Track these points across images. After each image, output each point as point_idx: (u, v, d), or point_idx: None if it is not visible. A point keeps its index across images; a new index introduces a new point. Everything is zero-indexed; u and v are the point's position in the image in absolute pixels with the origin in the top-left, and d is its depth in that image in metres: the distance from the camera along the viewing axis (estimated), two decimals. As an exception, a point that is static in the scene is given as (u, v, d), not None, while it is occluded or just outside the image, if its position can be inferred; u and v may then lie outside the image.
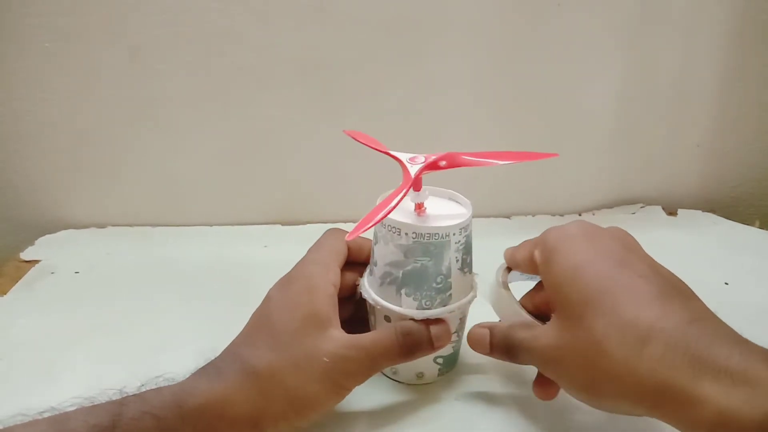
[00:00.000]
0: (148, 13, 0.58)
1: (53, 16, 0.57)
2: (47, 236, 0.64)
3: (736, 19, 0.64)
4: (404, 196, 0.34)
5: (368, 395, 0.39)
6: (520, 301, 0.37)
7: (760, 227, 0.67)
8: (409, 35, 0.61)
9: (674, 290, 0.30)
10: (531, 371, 0.37)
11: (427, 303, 0.36)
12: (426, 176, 0.36)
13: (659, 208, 0.71)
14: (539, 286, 0.38)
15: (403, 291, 0.36)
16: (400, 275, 0.36)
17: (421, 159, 0.36)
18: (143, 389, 0.32)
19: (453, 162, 0.35)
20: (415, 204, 0.37)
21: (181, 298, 0.52)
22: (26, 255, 0.60)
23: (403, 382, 0.41)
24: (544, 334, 0.32)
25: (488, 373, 0.42)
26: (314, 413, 0.33)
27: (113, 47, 0.59)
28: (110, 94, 0.61)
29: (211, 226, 0.67)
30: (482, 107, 0.65)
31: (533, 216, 0.69)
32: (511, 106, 0.65)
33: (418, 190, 0.36)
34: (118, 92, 0.61)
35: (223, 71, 0.61)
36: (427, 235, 0.35)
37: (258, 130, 0.64)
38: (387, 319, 0.38)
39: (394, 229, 0.36)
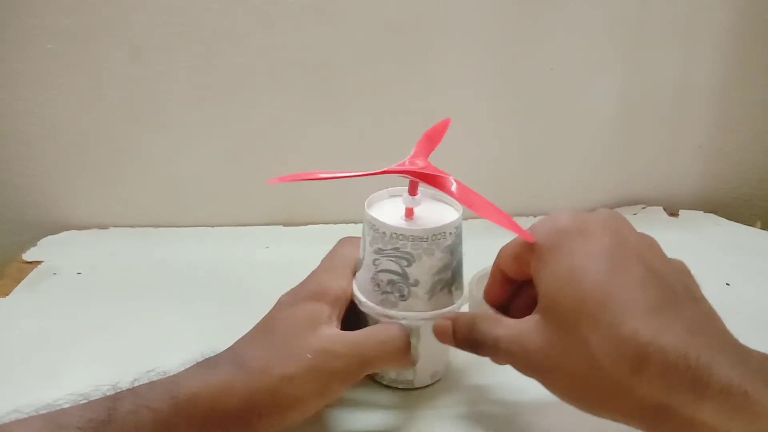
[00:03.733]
0: (150, 14, 0.58)
1: (55, 16, 0.57)
2: (49, 237, 0.64)
3: (736, 20, 0.64)
4: (363, 175, 0.35)
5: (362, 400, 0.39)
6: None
7: (762, 228, 0.67)
8: (410, 36, 0.61)
9: (673, 296, 0.28)
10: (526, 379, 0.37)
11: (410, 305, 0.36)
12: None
13: (660, 209, 0.71)
14: (491, 273, 0.37)
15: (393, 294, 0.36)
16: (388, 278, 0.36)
17: (420, 165, 0.36)
18: (136, 384, 0.32)
19: (436, 183, 0.35)
20: (406, 209, 0.37)
21: (183, 298, 0.53)
22: (28, 256, 0.61)
23: (393, 387, 0.40)
24: (528, 336, 0.30)
25: (479, 381, 0.41)
26: (298, 412, 0.33)
27: (115, 48, 0.59)
28: (112, 94, 0.61)
29: (212, 227, 0.67)
30: (483, 108, 0.65)
31: (534, 217, 0.69)
32: (511, 107, 0.65)
33: (413, 195, 0.36)
34: (120, 93, 0.61)
35: (225, 72, 0.61)
36: (409, 236, 0.35)
37: (260, 131, 0.64)
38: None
39: (376, 230, 0.36)
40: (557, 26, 0.62)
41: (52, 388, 0.33)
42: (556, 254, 0.30)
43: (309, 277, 0.38)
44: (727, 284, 0.54)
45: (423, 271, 0.36)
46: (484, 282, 0.38)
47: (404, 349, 0.35)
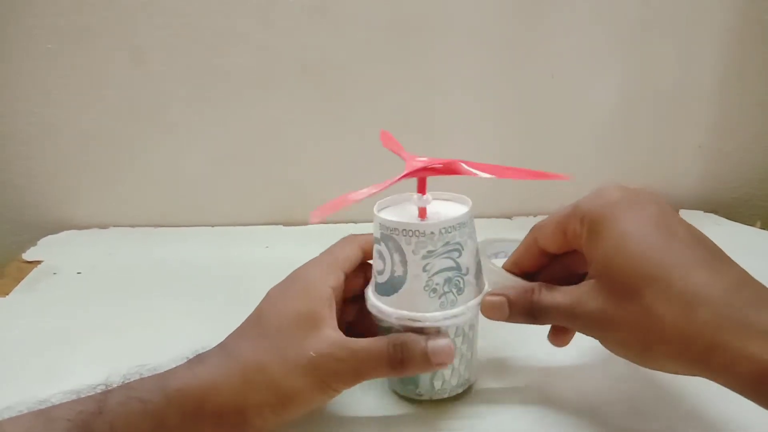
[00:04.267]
0: (150, 15, 0.58)
1: (56, 17, 0.57)
2: (49, 237, 0.64)
3: (736, 20, 0.64)
4: (389, 185, 0.34)
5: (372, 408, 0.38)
6: (504, 267, 0.39)
7: (762, 228, 0.67)
8: (411, 37, 0.61)
9: (716, 257, 0.32)
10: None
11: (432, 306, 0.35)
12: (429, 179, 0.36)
13: (661, 208, 0.71)
14: (521, 247, 0.39)
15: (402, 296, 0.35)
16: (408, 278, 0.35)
17: (423, 160, 0.36)
18: (127, 379, 0.32)
19: (449, 168, 0.35)
20: (419, 209, 0.36)
21: (182, 298, 0.53)
22: (28, 255, 0.61)
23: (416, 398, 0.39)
24: (588, 300, 0.32)
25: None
26: (299, 407, 0.33)
27: (115, 48, 0.59)
28: (112, 94, 0.61)
29: (213, 226, 0.67)
30: (483, 109, 0.65)
31: (534, 216, 0.69)
32: (512, 108, 0.65)
33: (423, 194, 0.36)
34: (120, 93, 0.61)
35: (225, 72, 0.61)
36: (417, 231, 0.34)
37: (260, 131, 0.64)
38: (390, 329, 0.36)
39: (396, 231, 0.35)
40: (558, 27, 0.62)
41: (52, 388, 0.33)
42: (609, 223, 0.32)
43: (299, 270, 0.38)
44: (727, 284, 0.54)
45: (470, 256, 0.36)
46: (490, 251, 0.40)
47: (395, 367, 0.34)
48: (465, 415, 0.38)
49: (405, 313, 0.35)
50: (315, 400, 0.33)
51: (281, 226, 0.67)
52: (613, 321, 0.31)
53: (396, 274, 0.35)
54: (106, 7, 0.57)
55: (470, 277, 0.36)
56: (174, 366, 0.33)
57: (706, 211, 0.71)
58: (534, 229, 0.38)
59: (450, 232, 0.35)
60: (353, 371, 0.33)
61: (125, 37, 0.59)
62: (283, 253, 0.60)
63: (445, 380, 0.38)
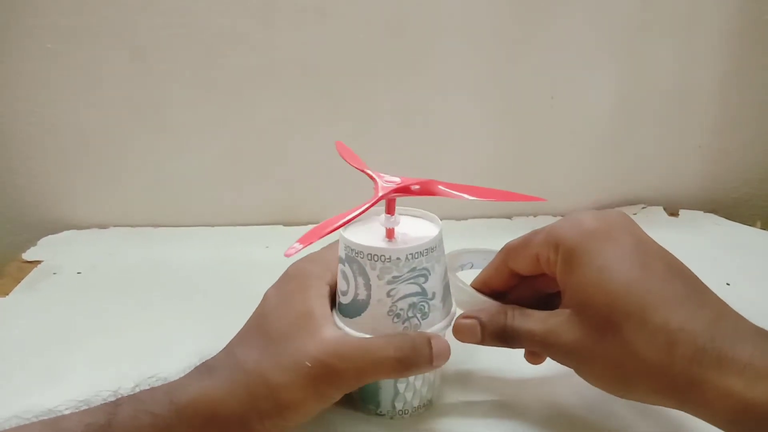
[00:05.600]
0: (150, 15, 0.58)
1: (56, 16, 0.57)
2: (49, 236, 0.64)
3: (736, 20, 0.64)
4: (365, 210, 0.33)
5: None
6: (473, 285, 0.39)
7: (762, 228, 0.67)
8: (409, 39, 0.61)
9: (695, 290, 0.31)
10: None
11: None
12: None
13: (661, 208, 0.71)
14: (491, 267, 0.38)
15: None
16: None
17: (396, 180, 0.34)
18: (137, 390, 0.32)
19: (428, 190, 0.34)
20: (386, 229, 0.35)
21: (182, 298, 0.53)
22: (28, 255, 0.61)
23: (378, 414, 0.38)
24: (564, 331, 0.32)
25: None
26: (297, 416, 0.33)
27: (115, 48, 0.59)
28: (112, 94, 0.61)
29: (212, 226, 0.67)
30: (483, 109, 0.65)
31: (534, 216, 0.69)
32: (511, 108, 0.65)
33: (391, 214, 0.34)
34: (120, 93, 0.61)
35: (225, 72, 0.61)
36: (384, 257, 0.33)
37: (260, 131, 0.64)
38: None
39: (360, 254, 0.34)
40: (557, 25, 0.62)
41: (53, 389, 0.33)
42: (585, 256, 0.32)
43: (293, 267, 0.38)
44: (727, 284, 0.53)
45: (436, 280, 0.35)
46: (458, 262, 0.40)
47: (402, 367, 0.34)
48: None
49: (367, 337, 0.34)
50: (313, 408, 0.33)
51: (281, 226, 0.67)
52: (591, 354, 0.32)
53: (359, 297, 0.34)
54: (106, 7, 0.57)
55: (436, 302, 0.35)
56: (182, 375, 0.33)
57: (706, 211, 0.71)
58: (505, 251, 0.38)
59: (417, 258, 0.34)
60: (354, 376, 0.33)
61: (125, 37, 0.59)
62: (283, 253, 0.61)
63: (406, 401, 0.37)
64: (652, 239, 0.34)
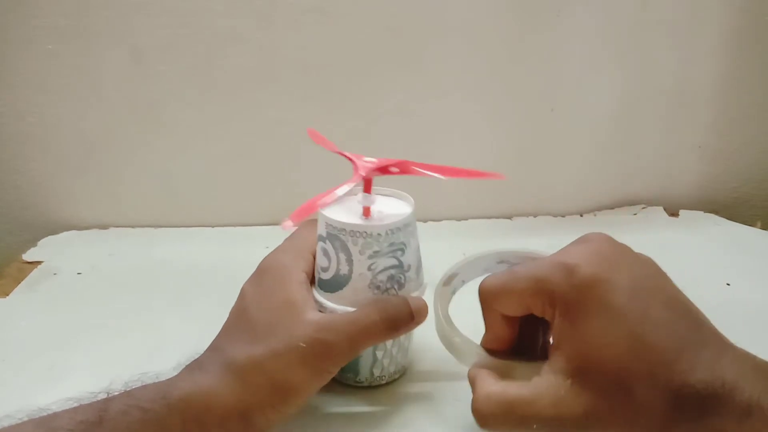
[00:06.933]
0: (150, 15, 0.58)
1: (56, 17, 0.57)
2: (50, 237, 0.64)
3: (736, 20, 0.64)
4: (350, 187, 0.36)
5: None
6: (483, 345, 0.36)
7: (762, 228, 0.67)
8: (410, 39, 0.61)
9: (693, 327, 0.30)
10: None
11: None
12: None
13: (661, 209, 0.71)
14: (488, 324, 0.36)
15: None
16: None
17: (373, 161, 0.37)
18: (128, 387, 0.32)
19: (404, 169, 0.36)
20: (363, 207, 0.37)
21: (183, 299, 0.53)
22: (29, 256, 0.61)
23: (354, 384, 0.40)
24: (572, 402, 0.31)
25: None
26: (299, 398, 0.33)
27: (116, 49, 0.59)
28: (112, 95, 0.61)
29: (213, 227, 0.67)
30: (483, 108, 0.65)
31: (534, 217, 0.69)
32: (511, 108, 0.65)
33: (369, 193, 0.37)
34: (120, 93, 0.61)
35: (225, 72, 0.61)
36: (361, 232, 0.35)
37: (260, 131, 0.64)
38: None
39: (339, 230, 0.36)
40: (558, 25, 0.62)
41: (52, 389, 0.33)
42: (582, 313, 0.31)
43: (267, 260, 0.38)
44: (728, 284, 0.54)
45: (412, 254, 0.37)
46: (444, 301, 0.38)
47: (389, 327, 0.35)
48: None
49: (349, 309, 0.36)
50: (314, 387, 0.34)
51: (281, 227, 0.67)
52: (603, 418, 0.30)
53: (341, 273, 0.36)
54: (105, 7, 0.57)
55: (411, 273, 0.38)
56: (175, 373, 0.33)
57: (706, 211, 0.71)
58: (490, 304, 0.35)
59: (395, 233, 0.36)
60: (348, 346, 0.34)
61: (125, 37, 0.59)
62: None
63: (384, 368, 0.40)
64: (646, 270, 0.32)
